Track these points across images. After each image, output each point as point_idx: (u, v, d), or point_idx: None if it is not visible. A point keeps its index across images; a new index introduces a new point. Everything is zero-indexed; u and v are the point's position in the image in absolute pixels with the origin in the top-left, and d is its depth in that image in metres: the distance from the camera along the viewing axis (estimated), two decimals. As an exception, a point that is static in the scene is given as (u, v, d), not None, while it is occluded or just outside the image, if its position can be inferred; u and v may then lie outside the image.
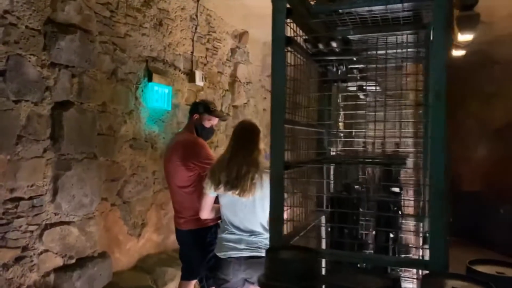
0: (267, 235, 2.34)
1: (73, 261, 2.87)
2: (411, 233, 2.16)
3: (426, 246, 1.65)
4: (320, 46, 1.80)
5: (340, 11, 1.70)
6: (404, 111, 2.19)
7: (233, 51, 5.22)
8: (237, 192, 2.37)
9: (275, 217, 1.59)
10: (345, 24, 1.84)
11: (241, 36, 5.31)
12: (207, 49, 4.62)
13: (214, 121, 3.07)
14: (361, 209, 1.79)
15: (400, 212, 1.81)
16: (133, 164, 3.54)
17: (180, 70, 4.13)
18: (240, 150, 2.42)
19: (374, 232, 1.71)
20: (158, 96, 3.76)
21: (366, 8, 1.67)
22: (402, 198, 1.95)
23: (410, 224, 2.23)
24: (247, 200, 2.38)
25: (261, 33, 5.19)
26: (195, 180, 2.84)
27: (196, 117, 2.99)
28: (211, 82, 4.75)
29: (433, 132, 1.34)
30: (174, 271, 3.55)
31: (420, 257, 1.79)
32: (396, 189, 1.91)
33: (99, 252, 3.10)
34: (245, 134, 2.49)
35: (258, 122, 5.85)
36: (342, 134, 2.43)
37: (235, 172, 2.36)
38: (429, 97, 1.54)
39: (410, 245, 2.08)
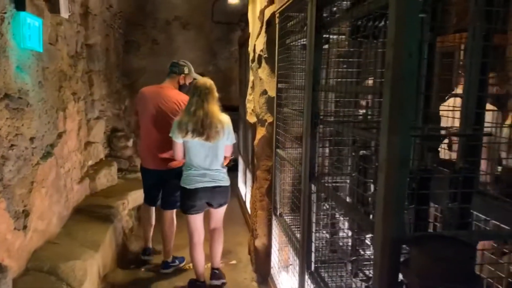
0: (223, 170, 3.18)
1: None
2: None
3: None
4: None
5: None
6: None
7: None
8: (203, 138, 2.98)
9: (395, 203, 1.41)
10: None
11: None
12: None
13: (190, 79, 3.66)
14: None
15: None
16: (11, 131, 2.47)
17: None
18: (203, 103, 2.98)
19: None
20: (30, 32, 2.64)
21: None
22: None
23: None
24: (211, 145, 3.02)
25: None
26: None
27: (182, 78, 3.62)
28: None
29: None
30: (82, 263, 2.79)
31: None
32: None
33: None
34: (206, 90, 3.02)
35: (103, 64, 4.94)
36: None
37: (200, 122, 2.95)
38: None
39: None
